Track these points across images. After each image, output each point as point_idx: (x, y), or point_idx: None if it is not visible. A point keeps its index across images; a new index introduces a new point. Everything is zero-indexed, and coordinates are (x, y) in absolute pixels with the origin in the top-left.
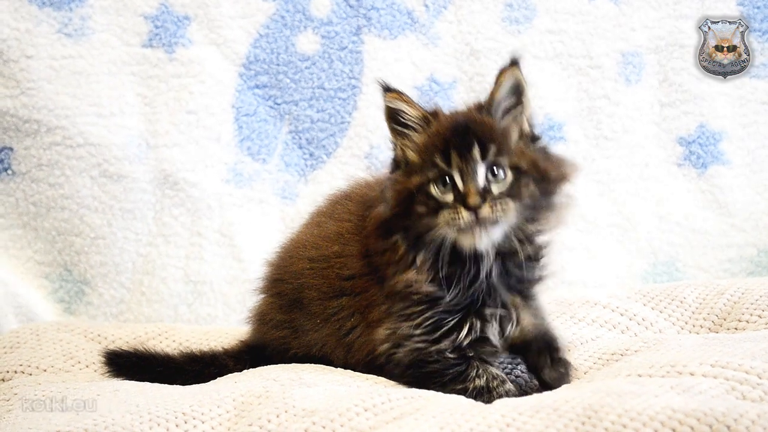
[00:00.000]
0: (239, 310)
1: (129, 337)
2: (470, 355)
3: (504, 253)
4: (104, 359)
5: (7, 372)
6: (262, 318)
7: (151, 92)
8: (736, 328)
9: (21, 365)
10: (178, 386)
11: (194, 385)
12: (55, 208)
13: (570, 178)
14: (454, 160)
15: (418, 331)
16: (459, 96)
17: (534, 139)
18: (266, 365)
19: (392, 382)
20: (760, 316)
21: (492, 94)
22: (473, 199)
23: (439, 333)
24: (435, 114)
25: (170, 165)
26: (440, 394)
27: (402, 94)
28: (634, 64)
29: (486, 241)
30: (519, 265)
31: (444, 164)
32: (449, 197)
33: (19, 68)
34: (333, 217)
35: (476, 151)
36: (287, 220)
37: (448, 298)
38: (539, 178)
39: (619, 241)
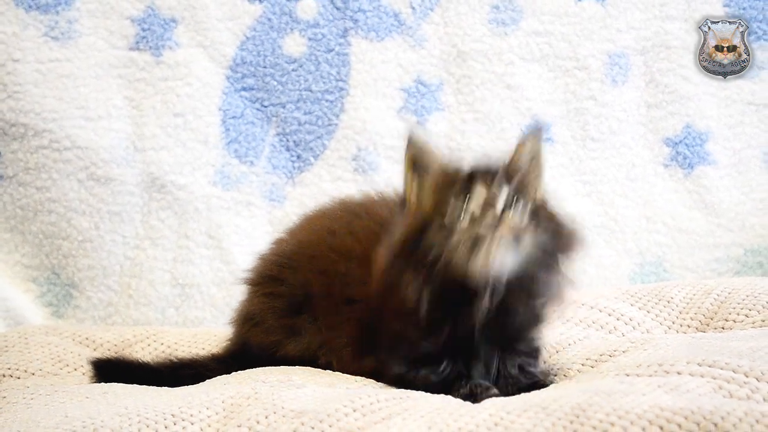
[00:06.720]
0: (227, 312)
1: (117, 341)
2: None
3: (505, 295)
4: (91, 366)
5: None
6: (251, 319)
7: (138, 95)
8: (723, 328)
9: (9, 369)
10: (167, 388)
11: (183, 387)
12: (42, 211)
13: (576, 248)
14: (476, 186)
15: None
16: (446, 98)
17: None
18: (253, 367)
19: (381, 384)
20: (747, 316)
21: (512, 159)
22: (496, 208)
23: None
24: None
25: (157, 168)
26: (428, 394)
27: (426, 143)
28: (620, 65)
29: (500, 260)
30: (515, 313)
31: (466, 190)
32: (462, 225)
33: (6, 72)
34: (351, 232)
35: (502, 175)
36: (275, 223)
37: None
38: (552, 231)
39: (606, 241)
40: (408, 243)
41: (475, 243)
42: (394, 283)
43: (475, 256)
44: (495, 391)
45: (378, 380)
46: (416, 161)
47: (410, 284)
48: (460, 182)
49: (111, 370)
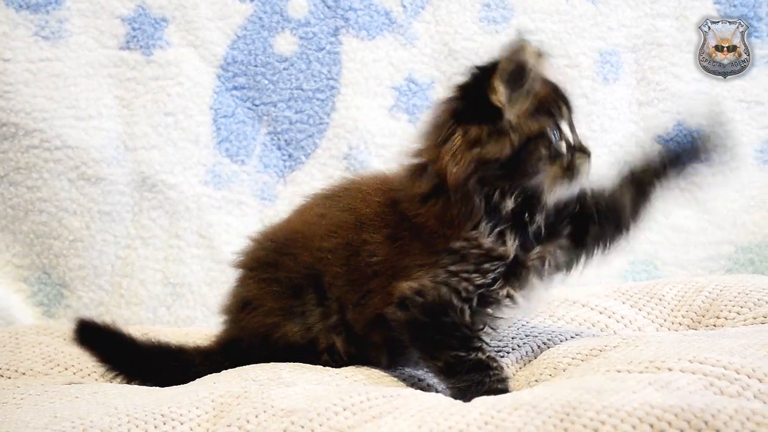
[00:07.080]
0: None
1: None
2: (480, 327)
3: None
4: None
5: None
6: (247, 304)
7: (128, 94)
8: (714, 325)
9: (0, 369)
10: (156, 387)
11: (173, 387)
12: (33, 211)
13: None
14: (564, 112)
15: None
16: (437, 96)
17: None
18: (243, 364)
19: (371, 381)
20: (738, 313)
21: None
22: (588, 150)
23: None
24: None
25: (148, 167)
26: (419, 392)
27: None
28: (611, 63)
29: (572, 193)
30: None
31: (559, 114)
32: (563, 146)
33: None
34: (343, 208)
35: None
36: (266, 222)
37: (511, 254)
38: None
39: None
40: (510, 156)
41: (571, 170)
42: (470, 191)
43: (558, 188)
44: (507, 374)
45: (409, 307)
46: (515, 74)
47: (496, 192)
48: (561, 110)
49: (93, 334)
